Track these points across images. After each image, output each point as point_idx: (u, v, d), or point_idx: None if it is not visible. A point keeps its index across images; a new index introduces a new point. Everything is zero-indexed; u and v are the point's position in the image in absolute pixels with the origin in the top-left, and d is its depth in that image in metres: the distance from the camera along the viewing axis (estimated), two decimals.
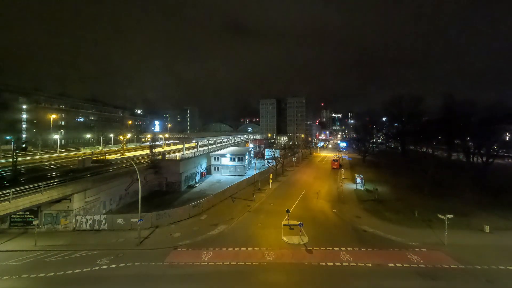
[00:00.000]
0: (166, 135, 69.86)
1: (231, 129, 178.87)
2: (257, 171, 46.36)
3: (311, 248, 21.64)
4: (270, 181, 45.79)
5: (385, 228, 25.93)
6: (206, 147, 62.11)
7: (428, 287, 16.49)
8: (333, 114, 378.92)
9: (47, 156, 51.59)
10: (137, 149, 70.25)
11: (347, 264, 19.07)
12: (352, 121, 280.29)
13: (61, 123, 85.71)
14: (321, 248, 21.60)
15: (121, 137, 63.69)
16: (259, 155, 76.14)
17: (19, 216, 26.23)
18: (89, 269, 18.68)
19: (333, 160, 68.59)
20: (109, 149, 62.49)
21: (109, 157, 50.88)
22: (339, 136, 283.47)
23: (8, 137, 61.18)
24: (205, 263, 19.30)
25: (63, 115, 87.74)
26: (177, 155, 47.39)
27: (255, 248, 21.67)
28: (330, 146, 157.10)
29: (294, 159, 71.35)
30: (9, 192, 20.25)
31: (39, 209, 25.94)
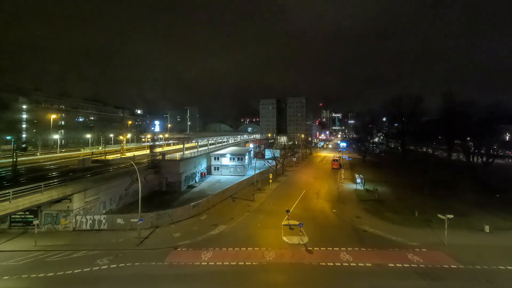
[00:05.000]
0: (166, 135, 69.80)
1: (231, 129, 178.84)
2: (257, 171, 46.37)
3: (311, 248, 21.65)
4: (270, 181, 45.79)
5: (385, 228, 25.94)
6: (206, 147, 62.13)
7: (428, 287, 16.49)
8: (333, 114, 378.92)
9: (47, 156, 51.60)
10: (137, 149, 70.28)
11: (347, 264, 19.07)
12: (352, 121, 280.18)
13: (61, 123, 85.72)
14: (321, 248, 21.60)
15: (121, 137, 63.69)
16: (259, 155, 76.12)
17: (19, 216, 26.22)
18: (89, 269, 18.67)
19: (333, 160, 68.60)
20: (109, 149, 62.50)
21: (109, 157, 50.88)
22: (339, 136, 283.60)
23: (8, 137, 61.14)
24: (205, 263, 19.29)
25: (63, 115, 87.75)
26: (177, 155, 47.40)
27: (255, 248, 21.67)
28: (330, 146, 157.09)
29: (294, 159, 71.35)
30: (9, 192, 20.26)
31: (39, 209, 25.93)
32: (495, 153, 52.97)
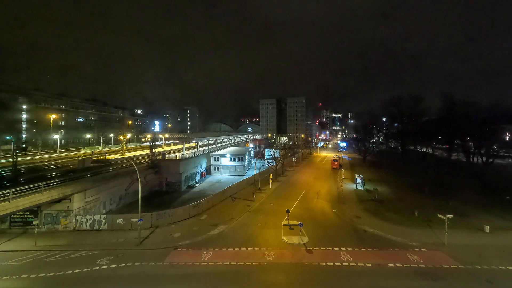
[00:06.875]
0: (166, 135, 69.84)
1: (231, 129, 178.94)
2: (257, 171, 46.34)
3: (311, 248, 21.65)
4: (270, 181, 45.78)
5: (385, 228, 25.94)
6: (206, 147, 62.11)
7: (428, 287, 16.49)
8: (333, 114, 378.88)
9: (47, 156, 51.59)
10: (137, 149, 70.27)
11: (347, 264, 19.07)
12: (352, 121, 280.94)
13: (61, 123, 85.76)
14: (321, 248, 21.61)
15: (121, 137, 63.71)
16: (259, 155, 76.13)
17: (19, 216, 26.22)
18: (89, 269, 18.68)
19: (333, 160, 68.60)
20: (109, 149, 62.51)
21: (109, 157, 50.88)
22: (339, 136, 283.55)
23: (8, 137, 61.16)
24: (205, 263, 19.30)
25: (63, 115, 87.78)
26: (177, 155, 47.38)
27: (255, 248, 21.67)
28: (330, 146, 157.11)
29: (294, 159, 71.36)
30: (9, 192, 20.24)
31: (39, 209, 25.93)
32: (495, 153, 52.88)
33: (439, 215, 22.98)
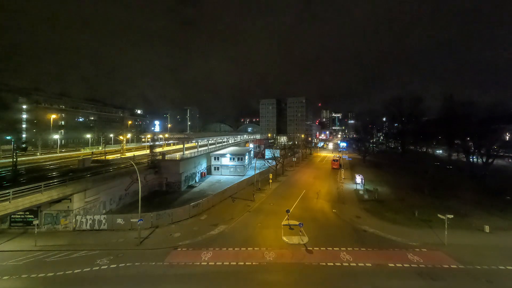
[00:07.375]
0: (166, 135, 69.81)
1: (231, 129, 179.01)
2: (257, 171, 46.34)
3: (311, 248, 21.65)
4: (270, 181, 45.76)
5: (385, 228, 25.93)
6: (206, 147, 62.11)
7: (428, 287, 16.49)
8: (333, 114, 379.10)
9: (47, 156, 51.60)
10: (137, 149, 70.26)
11: (347, 264, 19.07)
12: (352, 121, 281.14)
13: (61, 123, 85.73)
14: (321, 248, 21.61)
15: (121, 137, 63.71)
16: (259, 155, 76.09)
17: (19, 216, 26.23)
18: (89, 269, 18.68)
19: (333, 160, 68.57)
20: (109, 149, 62.52)
21: (109, 157, 50.89)
22: (339, 136, 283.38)
23: (8, 137, 61.13)
24: (205, 263, 19.30)
25: (63, 115, 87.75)
26: (177, 155, 47.38)
27: (255, 248, 21.67)
28: (330, 146, 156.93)
29: (294, 159, 71.34)
30: (9, 192, 20.26)
31: (39, 209, 25.93)
32: (495, 153, 52.87)
33: (439, 215, 22.98)
